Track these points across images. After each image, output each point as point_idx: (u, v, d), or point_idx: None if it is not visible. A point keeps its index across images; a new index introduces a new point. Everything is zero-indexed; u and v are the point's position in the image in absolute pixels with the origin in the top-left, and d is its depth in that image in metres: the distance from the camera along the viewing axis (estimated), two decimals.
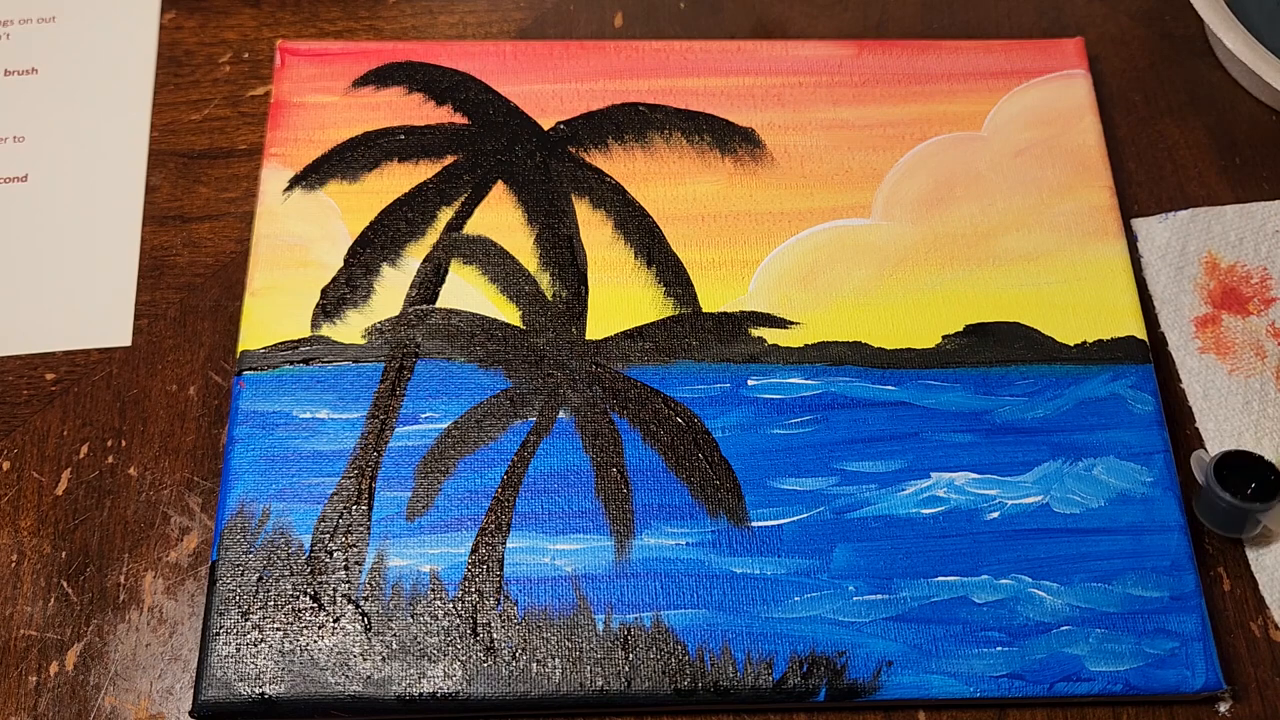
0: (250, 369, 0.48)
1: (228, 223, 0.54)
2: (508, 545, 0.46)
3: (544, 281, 0.51)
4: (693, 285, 0.51)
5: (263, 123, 0.55)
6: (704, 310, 0.50)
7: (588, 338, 0.49)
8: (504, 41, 0.56)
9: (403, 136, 0.53)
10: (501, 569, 0.45)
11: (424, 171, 0.53)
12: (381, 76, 0.55)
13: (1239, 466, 0.46)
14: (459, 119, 0.54)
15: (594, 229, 0.52)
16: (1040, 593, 0.45)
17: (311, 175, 0.52)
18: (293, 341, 0.49)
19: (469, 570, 0.45)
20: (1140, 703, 0.45)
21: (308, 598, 0.45)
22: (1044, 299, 0.50)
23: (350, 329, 0.49)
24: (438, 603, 0.45)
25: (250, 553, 0.45)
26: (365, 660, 0.44)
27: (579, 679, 0.44)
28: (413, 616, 0.44)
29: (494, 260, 0.51)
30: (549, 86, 0.55)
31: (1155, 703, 0.45)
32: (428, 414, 0.48)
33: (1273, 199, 0.55)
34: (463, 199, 0.52)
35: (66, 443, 0.49)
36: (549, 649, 0.44)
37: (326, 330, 0.49)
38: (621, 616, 0.45)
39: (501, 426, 0.48)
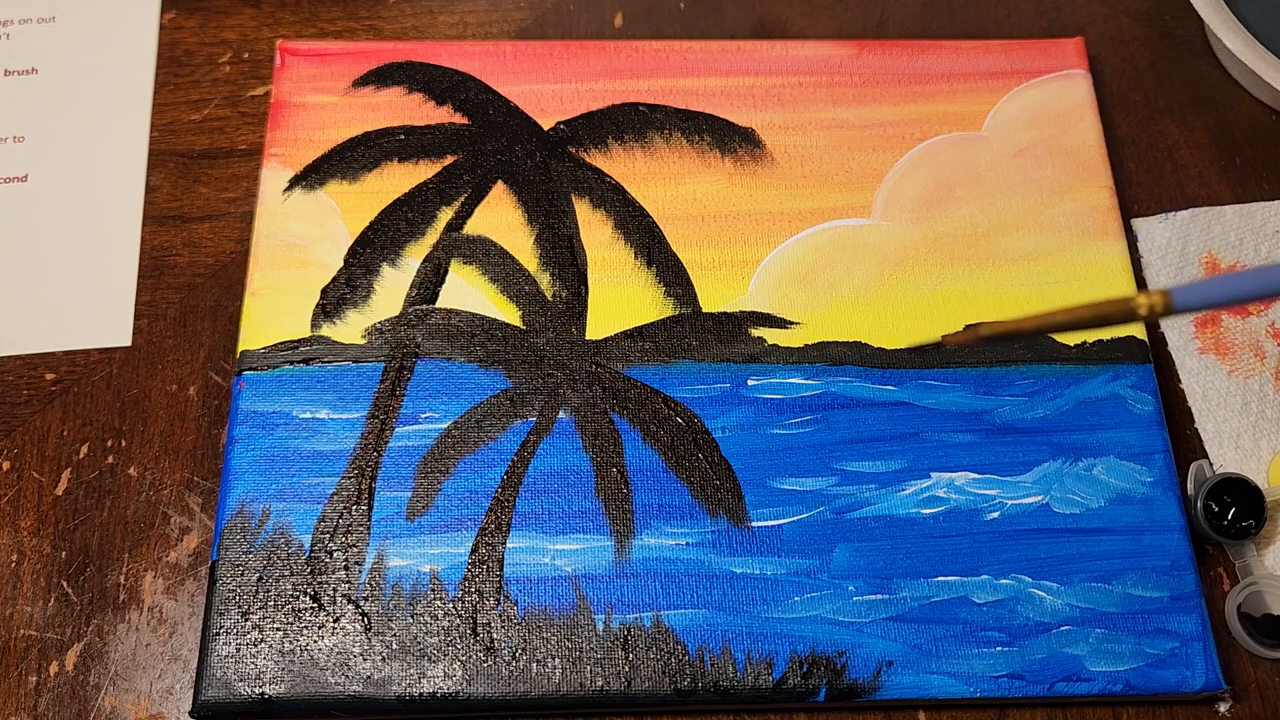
0: (250, 369, 0.48)
1: (228, 223, 0.54)
2: (508, 545, 0.46)
3: (544, 281, 0.51)
4: (693, 285, 0.51)
5: (263, 123, 0.55)
6: (704, 310, 0.50)
7: (588, 338, 0.49)
8: (504, 41, 0.56)
9: (403, 136, 0.53)
10: (501, 569, 0.45)
11: (424, 171, 0.53)
12: (381, 76, 0.55)
13: (1236, 491, 0.46)
14: (459, 119, 0.54)
15: (594, 229, 0.52)
16: (1040, 593, 0.45)
17: (311, 175, 0.52)
18: (293, 341, 0.49)
19: (469, 570, 0.45)
20: (1140, 703, 0.45)
21: (308, 598, 0.45)
22: (1044, 299, 0.50)
23: (350, 329, 0.49)
24: (438, 603, 0.45)
25: (250, 553, 0.45)
26: (365, 660, 0.44)
27: (579, 679, 0.44)
28: (413, 616, 0.44)
29: (494, 260, 0.51)
30: (549, 86, 0.55)
31: (1155, 703, 0.45)
32: (428, 414, 0.48)
33: (1273, 199, 0.55)
34: (463, 199, 0.52)
35: (66, 443, 0.49)
36: (549, 649, 0.44)
37: (326, 330, 0.49)
38: (621, 616, 0.45)
39: (501, 426, 0.48)
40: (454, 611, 0.45)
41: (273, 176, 0.52)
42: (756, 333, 0.50)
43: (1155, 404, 0.48)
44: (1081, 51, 0.56)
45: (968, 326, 0.34)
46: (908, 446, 0.48)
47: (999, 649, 0.44)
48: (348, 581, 0.45)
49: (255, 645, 0.44)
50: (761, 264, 0.51)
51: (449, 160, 0.53)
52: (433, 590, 0.45)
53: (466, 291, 0.50)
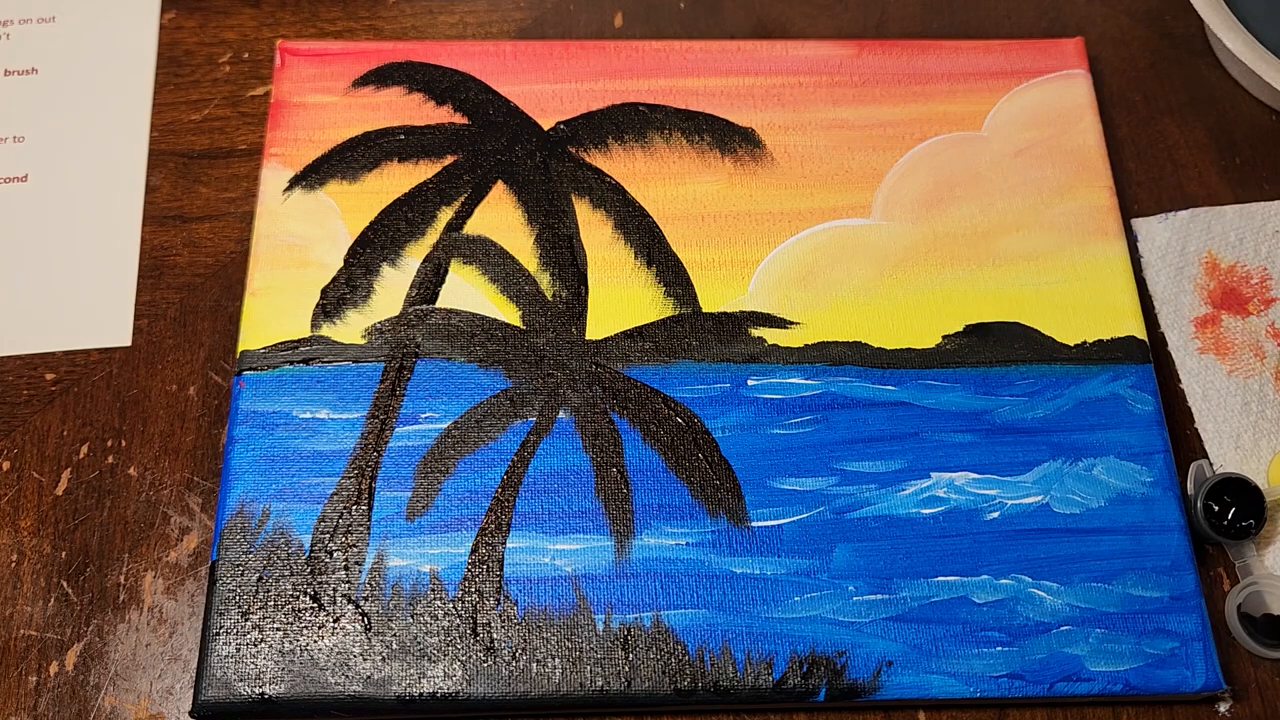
0: (250, 369, 0.48)
1: (228, 223, 0.54)
2: (508, 545, 0.46)
3: (544, 281, 0.51)
4: (693, 285, 0.51)
5: (263, 123, 0.55)
6: (704, 310, 0.50)
7: (588, 338, 0.49)
8: (504, 41, 0.56)
9: (403, 136, 0.53)
10: (501, 569, 0.45)
11: (424, 171, 0.53)
12: (381, 76, 0.55)
13: (1236, 491, 0.46)
14: (459, 119, 0.54)
15: (594, 229, 0.52)
16: (1040, 593, 0.45)
17: (311, 175, 0.52)
18: (293, 341, 0.49)
19: (469, 570, 0.45)
20: (1140, 703, 0.45)
21: (308, 598, 0.45)
22: (1044, 299, 0.50)
23: (350, 329, 0.49)
24: (438, 603, 0.45)
25: (250, 553, 0.45)
26: (365, 660, 0.44)
27: (579, 679, 0.44)
28: (413, 616, 0.44)
29: (494, 260, 0.51)
30: (549, 86, 0.55)
31: (1155, 703, 0.45)
32: (428, 414, 0.48)
33: (1273, 199, 0.55)
34: (463, 199, 0.52)
35: (66, 443, 0.49)
36: (549, 649, 0.44)
37: (326, 330, 0.49)
38: (621, 616, 0.45)
39: (501, 426, 0.48)
40: (454, 611, 0.45)
41: (273, 176, 0.52)
42: (756, 333, 0.50)
43: (1155, 404, 0.48)
44: (1081, 51, 0.56)
45: None
46: (908, 446, 0.48)
47: (999, 649, 0.44)
48: (348, 581, 0.45)
49: (255, 645, 0.44)
50: (761, 264, 0.51)
51: (449, 160, 0.53)
52: (433, 590, 0.45)
53: (466, 291, 0.50)
